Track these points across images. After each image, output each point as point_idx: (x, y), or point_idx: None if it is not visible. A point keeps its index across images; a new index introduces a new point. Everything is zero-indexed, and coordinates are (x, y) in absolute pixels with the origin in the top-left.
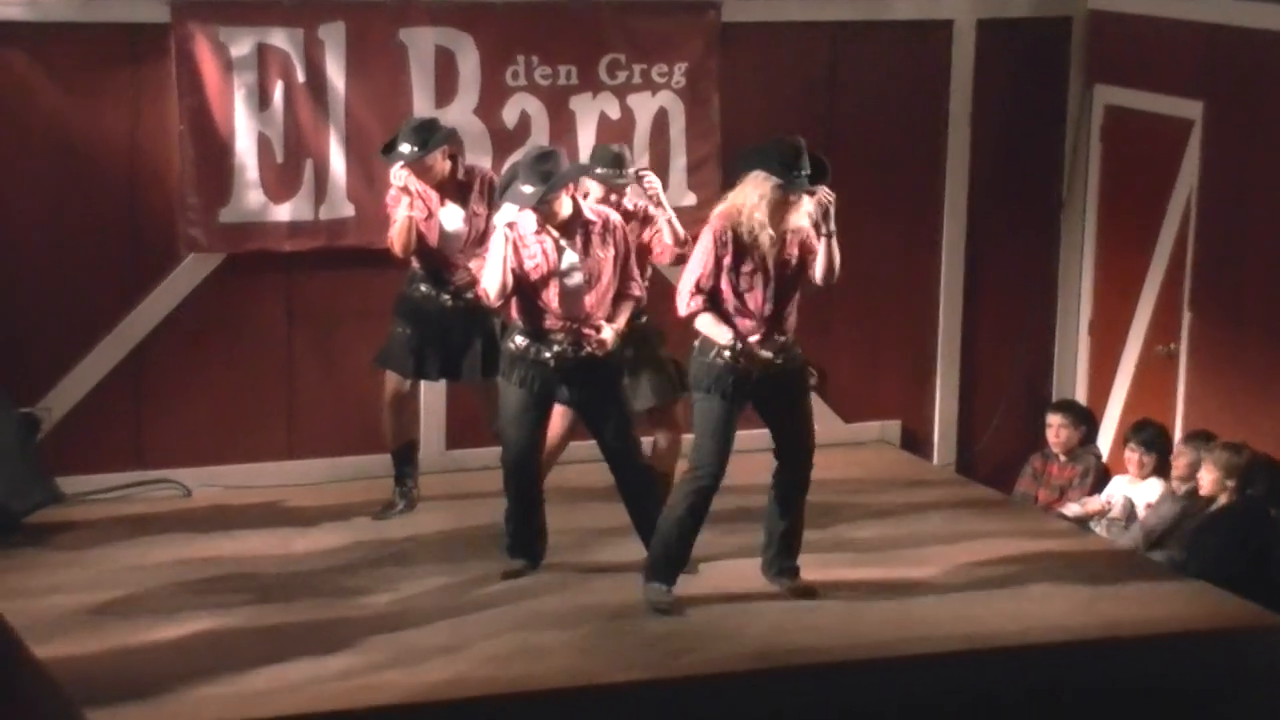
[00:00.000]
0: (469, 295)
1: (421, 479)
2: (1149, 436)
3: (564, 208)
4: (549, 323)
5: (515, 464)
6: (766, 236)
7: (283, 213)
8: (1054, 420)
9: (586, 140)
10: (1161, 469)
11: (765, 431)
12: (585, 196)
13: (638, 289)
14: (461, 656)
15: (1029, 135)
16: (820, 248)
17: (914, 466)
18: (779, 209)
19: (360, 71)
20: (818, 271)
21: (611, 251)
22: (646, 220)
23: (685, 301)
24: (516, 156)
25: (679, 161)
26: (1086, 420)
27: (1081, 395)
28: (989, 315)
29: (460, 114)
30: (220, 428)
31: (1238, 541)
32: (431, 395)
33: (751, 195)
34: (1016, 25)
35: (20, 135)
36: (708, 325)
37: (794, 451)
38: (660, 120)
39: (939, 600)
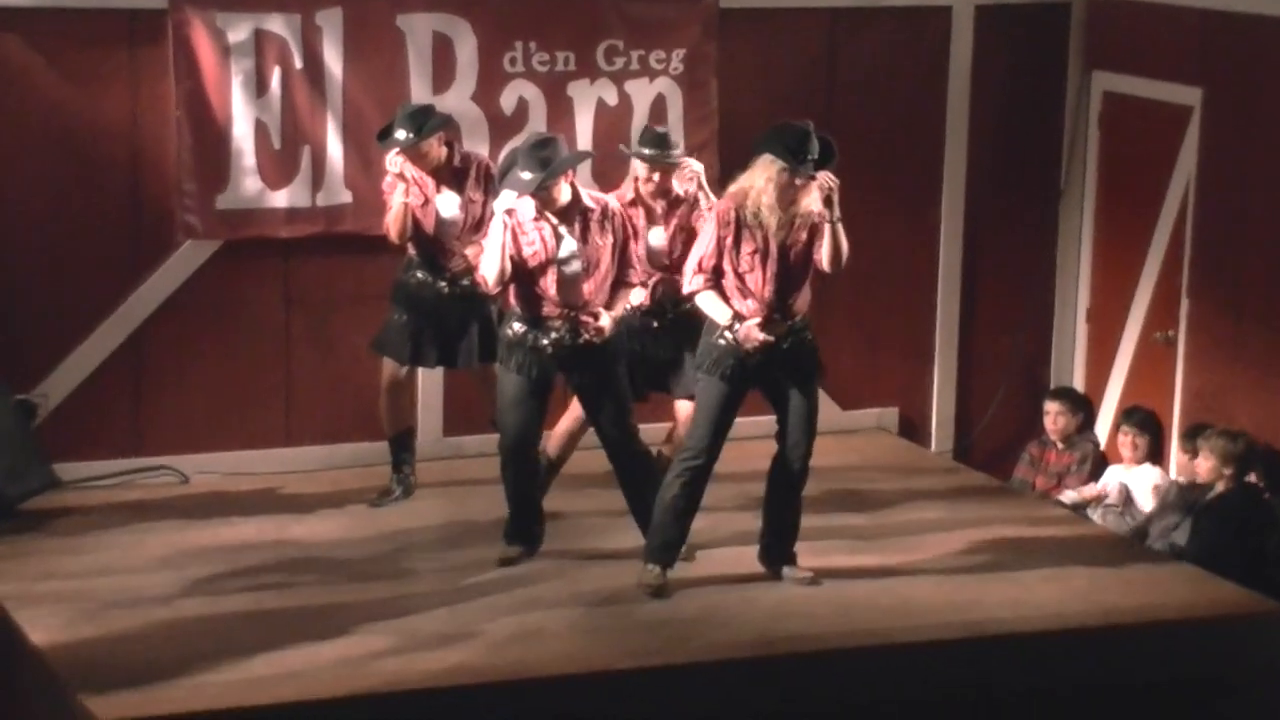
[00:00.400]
0: (465, 282)
1: (419, 466)
2: (1141, 418)
3: (563, 194)
4: (547, 310)
5: (512, 450)
6: (774, 219)
7: (280, 199)
8: (1051, 407)
9: (584, 126)
10: (1155, 453)
11: (767, 418)
12: (636, 180)
13: (636, 276)
14: (459, 643)
15: (1027, 122)
16: (825, 233)
17: (912, 454)
18: (786, 192)
19: (358, 58)
20: (824, 257)
21: (610, 239)
22: (694, 206)
23: (688, 279)
24: (515, 143)
25: (678, 147)
26: (1084, 407)
27: (1079, 382)
28: (987, 302)
29: (458, 100)
30: (218, 414)
31: (1235, 529)
32: (429, 382)
33: (759, 178)
34: (1015, 11)
35: (18, 121)
36: (708, 303)
37: (794, 437)
38: (658, 106)
39: (936, 587)
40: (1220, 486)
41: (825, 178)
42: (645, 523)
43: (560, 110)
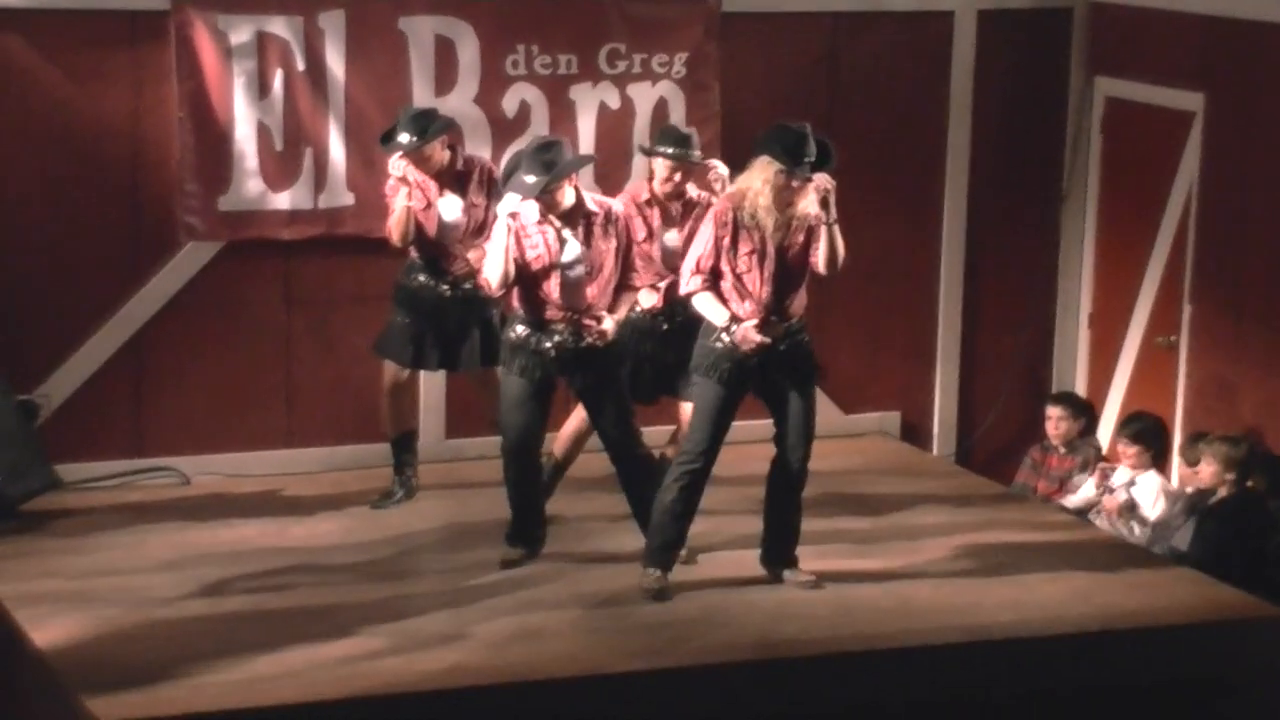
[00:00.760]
0: (467, 285)
1: (420, 468)
2: (1136, 430)
3: (566, 198)
4: (550, 313)
5: (514, 452)
6: (770, 221)
7: (282, 201)
8: (1053, 412)
9: (586, 129)
10: (1155, 461)
11: (767, 422)
12: (651, 181)
13: (640, 280)
14: (460, 644)
15: (1029, 127)
16: (822, 235)
17: (913, 457)
18: (783, 194)
19: (360, 60)
20: (820, 259)
21: (613, 243)
22: (710, 209)
23: (685, 280)
24: (518, 146)
25: None
26: (1085, 412)
27: (1081, 387)
28: (989, 306)
29: (460, 103)
30: (219, 415)
31: (1236, 533)
32: (430, 385)
33: (756, 179)
34: (1017, 16)
35: (20, 122)
36: (705, 305)
37: (792, 439)
38: (660, 110)
39: (938, 590)
40: (1222, 491)
41: (822, 180)
42: (647, 525)
43: (562, 113)
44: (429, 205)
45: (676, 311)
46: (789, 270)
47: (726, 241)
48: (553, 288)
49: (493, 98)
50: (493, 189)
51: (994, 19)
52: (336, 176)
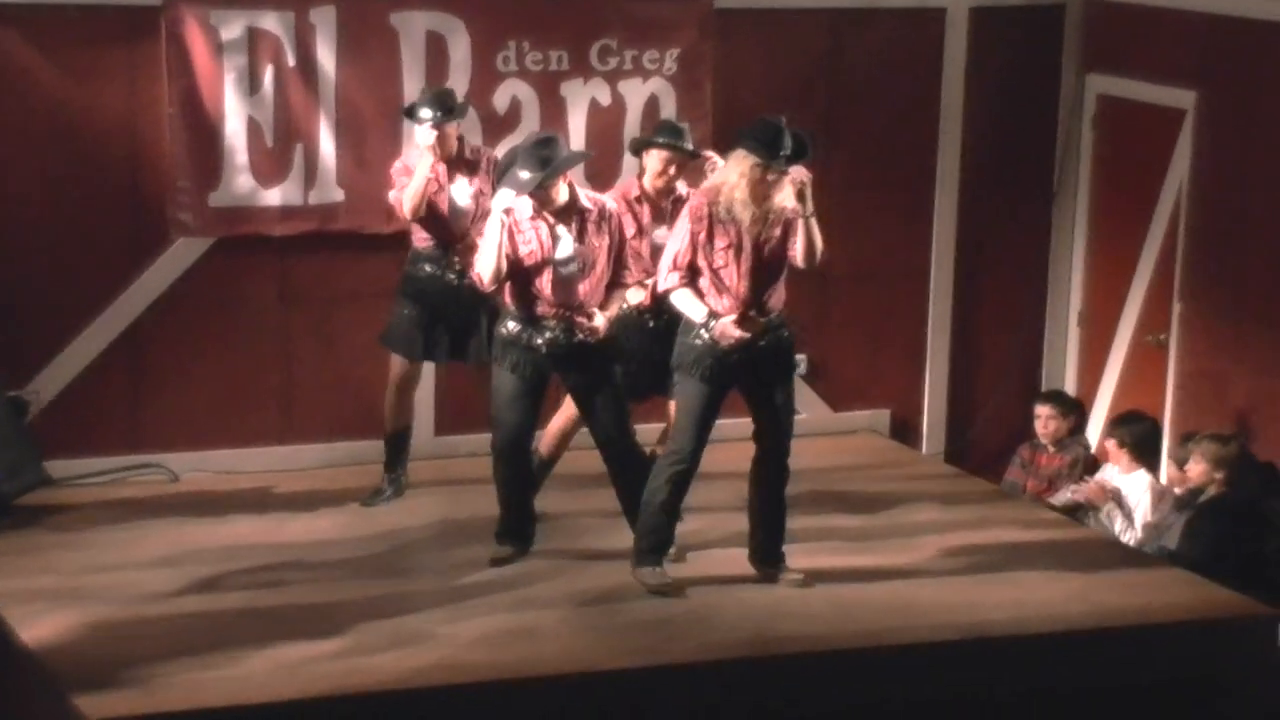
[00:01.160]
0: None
1: (411, 465)
2: (1126, 429)
3: (561, 194)
4: (542, 309)
5: (505, 449)
6: (747, 215)
7: (273, 197)
8: (1042, 411)
9: (577, 126)
10: (1143, 459)
11: (740, 421)
12: (641, 177)
13: (631, 278)
14: (453, 641)
15: (1022, 124)
16: (800, 229)
17: (903, 455)
18: (759, 188)
19: (351, 56)
20: (799, 253)
21: (606, 240)
22: None
23: (663, 277)
24: (512, 142)
25: None
26: (1075, 410)
27: (1071, 385)
28: (980, 304)
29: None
30: (213, 411)
31: (1228, 532)
32: (421, 381)
33: (732, 174)
34: (1009, 13)
35: (15, 117)
36: (684, 301)
37: (771, 435)
38: (651, 107)
39: (931, 589)
40: (1211, 490)
41: (798, 172)
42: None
43: (553, 110)
44: (440, 188)
45: (665, 309)
46: (767, 265)
47: (703, 237)
48: (545, 284)
49: (484, 94)
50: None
51: (986, 16)
52: (327, 172)
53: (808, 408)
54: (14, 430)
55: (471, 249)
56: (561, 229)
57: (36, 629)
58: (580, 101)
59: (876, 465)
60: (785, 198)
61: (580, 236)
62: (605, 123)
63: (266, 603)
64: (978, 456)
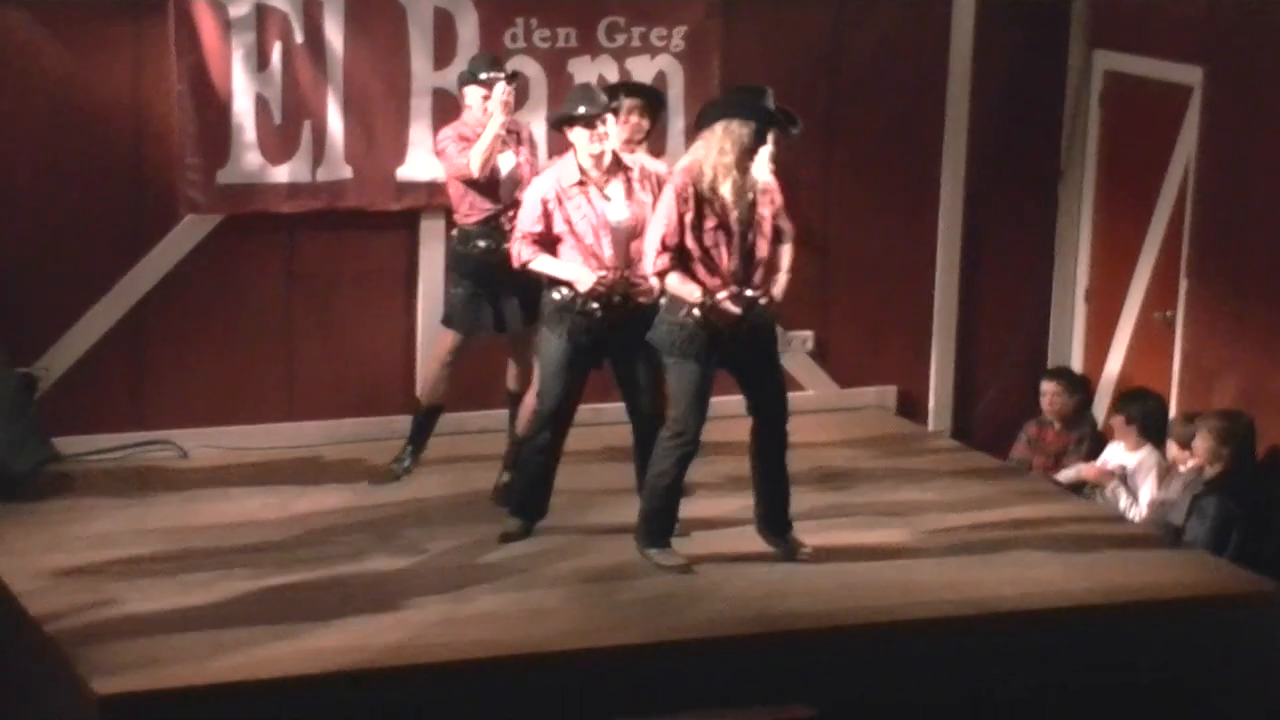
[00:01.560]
0: None
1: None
2: (1134, 406)
3: (610, 140)
4: (598, 271)
5: (551, 415)
6: (732, 190)
7: (281, 174)
8: (1048, 388)
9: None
10: (1154, 437)
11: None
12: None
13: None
14: (461, 618)
15: (1028, 101)
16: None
17: (910, 432)
18: (746, 159)
19: (359, 33)
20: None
21: (650, 197)
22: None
23: (652, 260)
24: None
25: (677, 125)
26: (1081, 388)
27: (1078, 362)
28: (986, 282)
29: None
30: (219, 389)
31: (1234, 509)
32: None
33: (713, 149)
34: None
35: (21, 95)
36: (676, 284)
37: (769, 409)
38: (658, 84)
39: (936, 565)
40: (1218, 467)
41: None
42: None
43: (561, 87)
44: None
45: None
46: (754, 241)
47: (689, 218)
48: (603, 246)
49: None
50: (533, 150)
51: None
52: (335, 150)
53: (815, 385)
54: (22, 407)
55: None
56: (612, 188)
57: (45, 605)
58: (588, 78)
59: (883, 442)
60: (761, 171)
61: (629, 194)
62: None
63: (273, 580)
64: (984, 433)
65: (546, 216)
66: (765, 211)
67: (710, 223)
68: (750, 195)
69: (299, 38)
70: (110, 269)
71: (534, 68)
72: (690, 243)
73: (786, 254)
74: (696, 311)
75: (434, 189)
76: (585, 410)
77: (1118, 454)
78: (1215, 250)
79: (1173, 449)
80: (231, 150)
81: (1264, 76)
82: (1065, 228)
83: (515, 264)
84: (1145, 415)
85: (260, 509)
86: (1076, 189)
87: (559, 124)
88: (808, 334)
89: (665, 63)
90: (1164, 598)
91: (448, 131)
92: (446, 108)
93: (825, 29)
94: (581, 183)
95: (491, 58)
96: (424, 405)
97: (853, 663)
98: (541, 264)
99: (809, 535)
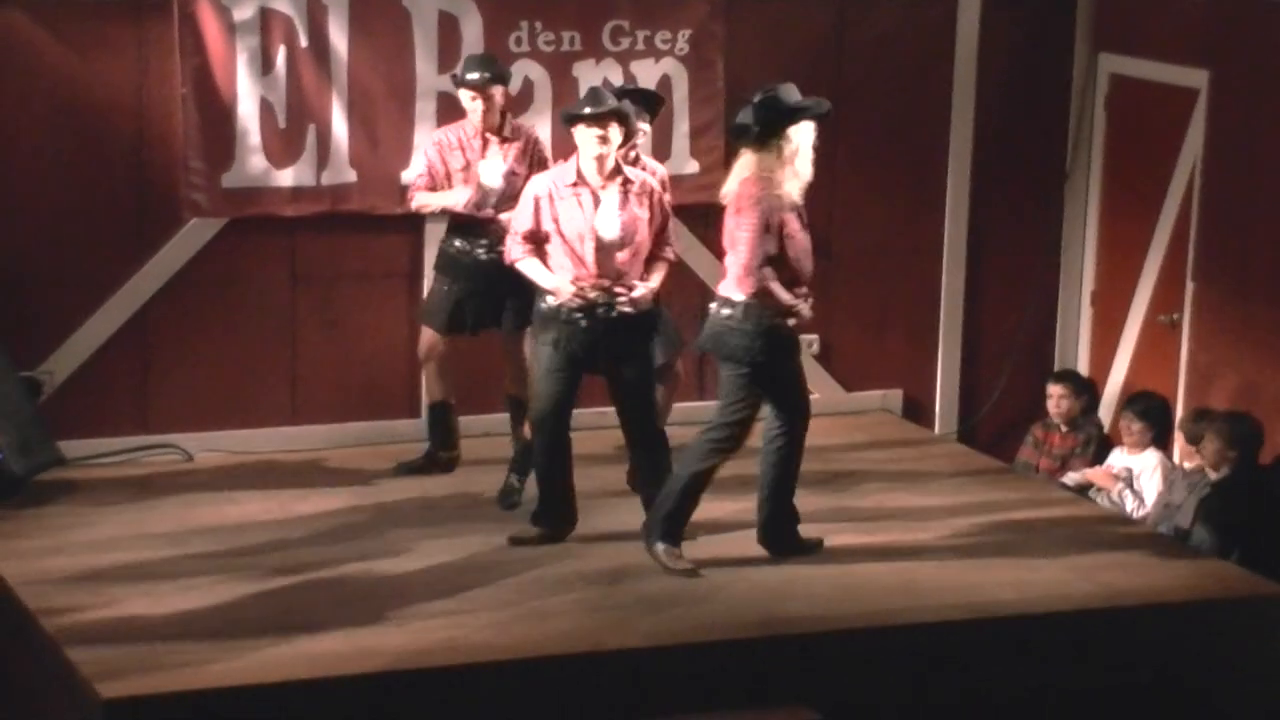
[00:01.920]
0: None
1: (422, 446)
2: (1141, 408)
3: (609, 159)
4: (582, 280)
5: (544, 418)
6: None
7: (285, 178)
8: (1054, 390)
9: None
10: (1158, 439)
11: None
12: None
13: (671, 253)
14: (465, 621)
15: (1033, 104)
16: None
17: (916, 435)
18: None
19: (363, 36)
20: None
21: (647, 214)
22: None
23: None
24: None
25: (681, 128)
26: (1087, 390)
27: (1084, 365)
28: (992, 284)
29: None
30: (223, 392)
31: (1241, 512)
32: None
33: (800, 146)
34: None
35: (24, 97)
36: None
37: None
38: (663, 87)
39: (941, 568)
40: (1225, 470)
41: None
42: (651, 498)
43: (566, 90)
44: (467, 165)
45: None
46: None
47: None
48: (587, 253)
49: None
50: (535, 160)
51: None
52: (339, 153)
53: (820, 388)
54: (27, 410)
55: (491, 222)
56: (606, 195)
57: (49, 608)
58: (593, 82)
59: (889, 445)
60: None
61: (623, 205)
62: None
63: (276, 583)
64: (990, 436)
65: (537, 213)
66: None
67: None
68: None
69: (303, 41)
70: (114, 273)
71: (538, 71)
72: (776, 251)
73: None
74: (792, 322)
75: None
76: (590, 414)
77: (1123, 457)
78: (1221, 253)
79: (1181, 444)
80: (236, 154)
81: (1269, 80)
82: (1071, 231)
83: (506, 261)
84: (1151, 418)
85: (263, 512)
86: (1082, 192)
87: (566, 122)
88: (813, 337)
89: (670, 66)
90: (1168, 601)
91: (436, 135)
92: (451, 110)
93: (828, 30)
94: (576, 184)
95: (483, 59)
96: (426, 403)
97: (855, 665)
98: (527, 267)
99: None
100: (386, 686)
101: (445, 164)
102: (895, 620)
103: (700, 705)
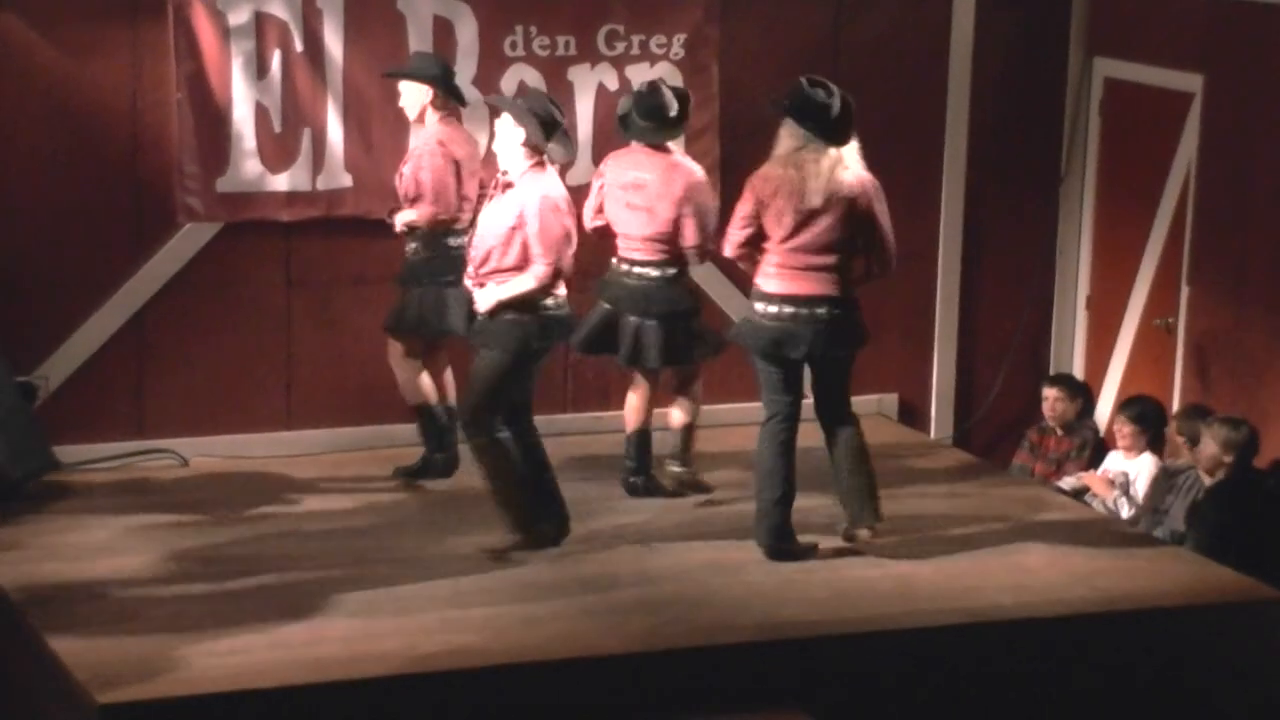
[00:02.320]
0: (412, 245)
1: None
2: (1136, 412)
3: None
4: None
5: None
6: None
7: (280, 182)
8: (1049, 393)
9: (584, 111)
10: (1153, 444)
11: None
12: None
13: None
14: (461, 626)
15: (1028, 108)
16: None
17: (911, 439)
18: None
19: (358, 41)
20: None
21: (513, 219)
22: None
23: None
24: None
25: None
26: (1082, 393)
27: (1079, 369)
28: (987, 288)
29: (458, 84)
30: (219, 396)
31: (1236, 516)
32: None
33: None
34: None
35: (19, 101)
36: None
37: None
38: None
39: (937, 572)
40: (1221, 474)
41: None
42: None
43: (561, 94)
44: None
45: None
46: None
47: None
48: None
49: (491, 79)
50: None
51: None
52: (334, 158)
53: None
54: (22, 415)
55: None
56: (499, 199)
57: (44, 613)
58: (588, 86)
59: (884, 449)
60: None
61: (494, 204)
62: (612, 107)
63: (273, 588)
64: (986, 440)
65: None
66: None
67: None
68: None
69: (298, 45)
70: (109, 277)
71: (533, 75)
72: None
73: None
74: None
75: None
76: (586, 419)
77: (1119, 461)
78: (1216, 258)
79: (1172, 438)
80: (231, 158)
81: (1264, 84)
82: (1066, 234)
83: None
84: (1147, 422)
85: (259, 518)
86: (1077, 195)
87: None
88: None
89: (665, 70)
90: (1165, 605)
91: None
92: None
93: (824, 33)
94: (496, 183)
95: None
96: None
97: (851, 670)
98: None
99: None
100: (385, 691)
101: None
102: (892, 624)
103: (696, 709)
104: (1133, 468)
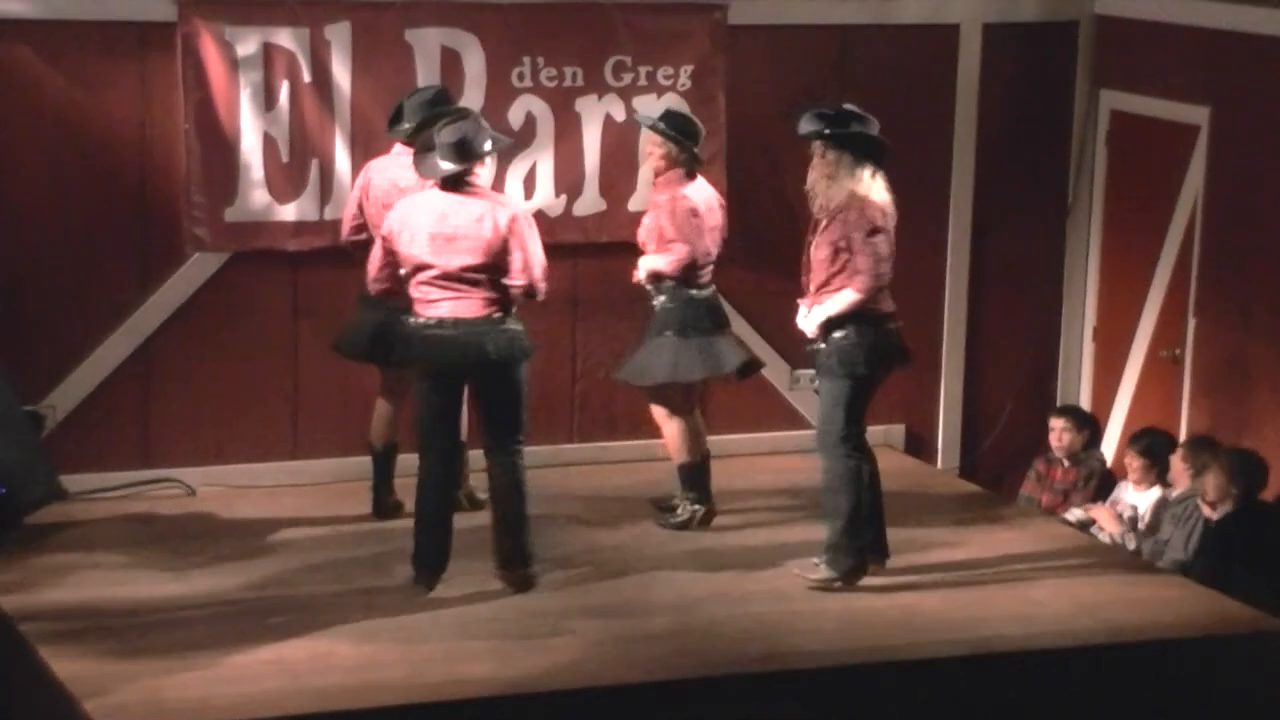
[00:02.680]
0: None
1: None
2: (1145, 445)
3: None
4: None
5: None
6: None
7: (288, 212)
8: (1056, 424)
9: (592, 142)
10: (1163, 476)
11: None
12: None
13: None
14: (468, 655)
15: (1035, 140)
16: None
17: (918, 470)
18: None
19: (366, 71)
20: None
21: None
22: None
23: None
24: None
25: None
26: (1089, 424)
27: (1086, 400)
28: (994, 319)
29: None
30: (226, 426)
31: (1243, 547)
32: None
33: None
34: (1023, 29)
35: (28, 131)
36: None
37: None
38: None
39: (944, 603)
40: (1228, 506)
41: None
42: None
43: (568, 125)
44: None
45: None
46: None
47: None
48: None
49: (499, 110)
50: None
51: (999, 32)
52: (342, 187)
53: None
54: (30, 444)
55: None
56: None
57: (50, 642)
58: (595, 117)
59: (891, 480)
60: None
61: None
62: (619, 138)
63: (279, 617)
64: (992, 471)
65: None
66: None
67: None
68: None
69: (306, 76)
70: (116, 307)
71: (540, 106)
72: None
73: None
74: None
75: None
76: (593, 448)
77: (1127, 493)
78: (1222, 289)
79: (1177, 466)
80: (239, 188)
81: (1270, 116)
82: (1073, 265)
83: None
84: (1156, 454)
85: (265, 547)
86: (1084, 227)
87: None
88: (812, 372)
89: (672, 101)
90: (1171, 636)
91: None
92: None
93: (830, 62)
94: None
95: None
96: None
97: (857, 700)
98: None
99: (815, 571)
100: None
101: None
102: (898, 655)
103: None
104: (1143, 501)
